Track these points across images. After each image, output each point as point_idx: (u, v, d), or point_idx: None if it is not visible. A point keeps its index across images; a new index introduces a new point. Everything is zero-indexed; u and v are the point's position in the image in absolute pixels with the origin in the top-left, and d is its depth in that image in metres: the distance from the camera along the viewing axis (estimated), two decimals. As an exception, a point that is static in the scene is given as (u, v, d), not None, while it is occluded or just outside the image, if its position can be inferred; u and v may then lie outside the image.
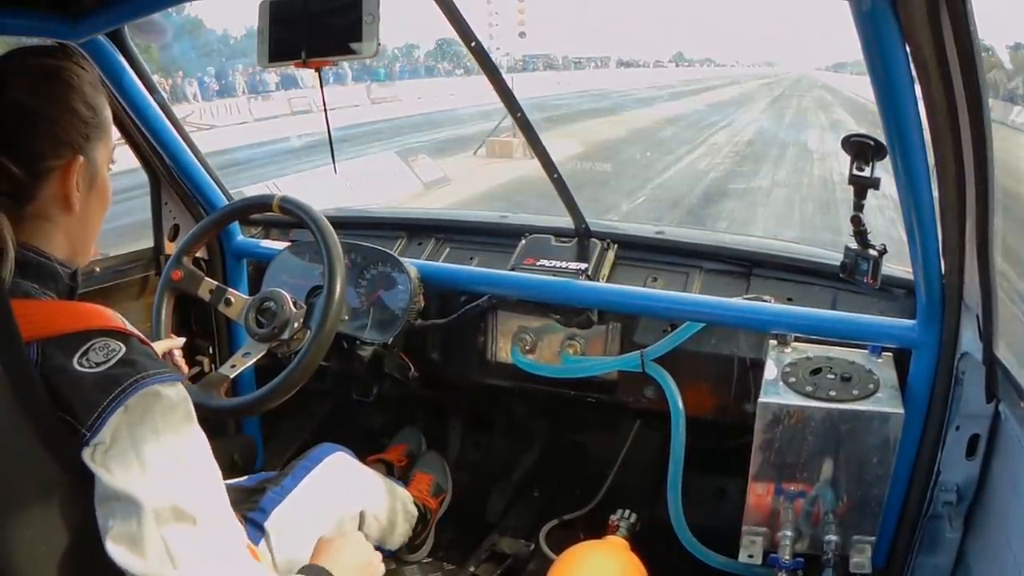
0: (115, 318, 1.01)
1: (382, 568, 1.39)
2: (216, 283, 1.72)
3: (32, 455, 0.90)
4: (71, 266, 1.08)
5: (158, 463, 0.94)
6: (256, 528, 1.44)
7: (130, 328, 1.01)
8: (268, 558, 1.42)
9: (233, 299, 1.69)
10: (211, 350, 2.31)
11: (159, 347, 1.62)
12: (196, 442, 1.01)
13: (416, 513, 1.99)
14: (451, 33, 1.56)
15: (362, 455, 2.36)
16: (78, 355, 0.93)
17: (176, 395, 0.98)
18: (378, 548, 1.76)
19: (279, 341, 1.60)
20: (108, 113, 1.10)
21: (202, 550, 0.96)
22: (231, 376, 1.58)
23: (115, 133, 2.04)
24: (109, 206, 1.14)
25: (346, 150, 14.02)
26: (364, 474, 1.84)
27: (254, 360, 1.60)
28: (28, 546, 0.91)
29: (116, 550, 0.92)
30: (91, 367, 0.93)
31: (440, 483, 2.22)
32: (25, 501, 0.91)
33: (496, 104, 1.85)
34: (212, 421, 1.30)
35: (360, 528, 1.75)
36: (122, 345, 0.96)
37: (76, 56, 1.09)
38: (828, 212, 11.10)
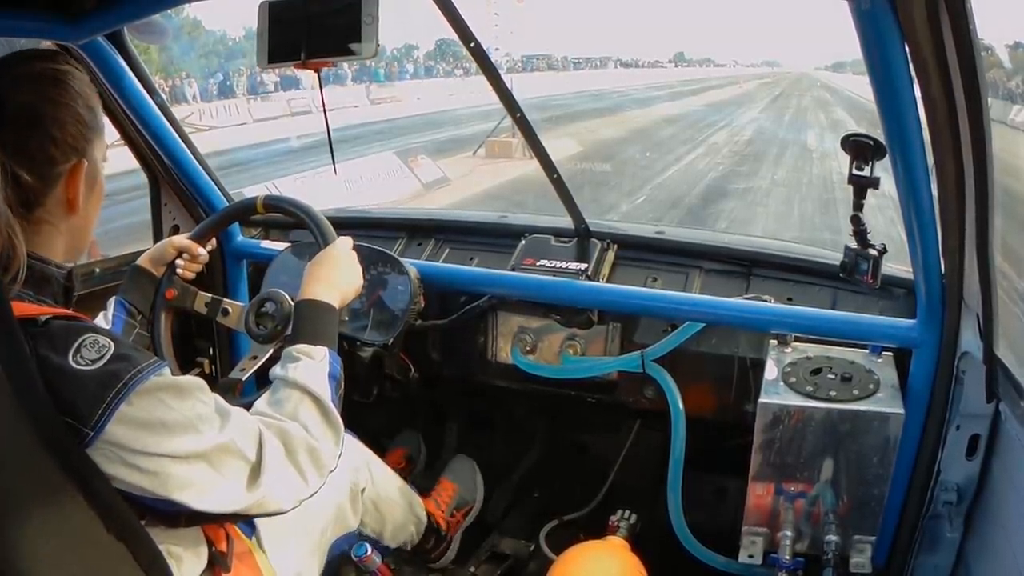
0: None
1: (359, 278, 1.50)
2: (211, 295, 1.71)
3: (33, 457, 0.90)
4: (67, 266, 1.09)
5: (180, 427, 0.99)
6: (247, 522, 1.38)
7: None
8: (264, 557, 1.38)
9: (230, 308, 1.68)
10: (211, 351, 2.31)
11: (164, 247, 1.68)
12: (202, 396, 1.04)
13: (425, 522, 1.96)
14: (450, 34, 1.56)
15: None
16: (71, 353, 0.94)
17: (168, 379, 1.00)
18: (375, 542, 1.76)
19: (283, 339, 1.58)
20: (101, 111, 1.12)
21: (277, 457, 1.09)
22: (243, 379, 1.57)
23: (114, 134, 2.06)
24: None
25: (346, 151, 14.01)
26: (371, 465, 1.80)
27: (262, 361, 1.59)
28: (30, 548, 0.90)
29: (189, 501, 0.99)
30: (87, 364, 0.94)
31: (465, 495, 2.17)
32: (26, 503, 0.90)
33: (495, 104, 1.85)
34: None
35: (359, 517, 1.71)
36: (110, 341, 0.97)
37: (72, 59, 1.10)
38: (828, 211, 11.10)
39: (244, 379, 1.56)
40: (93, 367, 0.94)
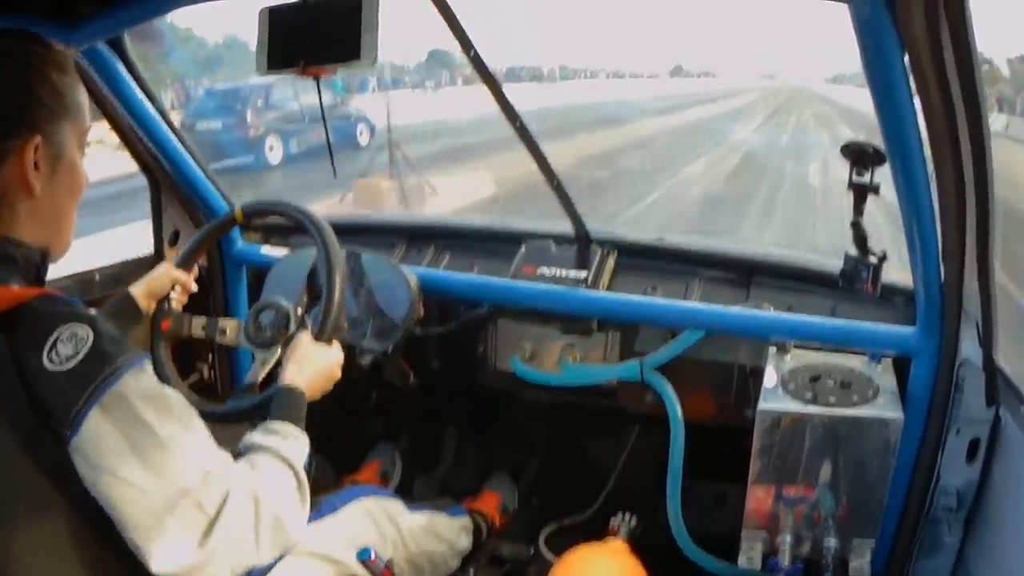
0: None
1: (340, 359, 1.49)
2: (205, 318, 1.67)
3: (16, 458, 0.90)
4: (39, 248, 1.05)
5: (151, 449, 0.94)
6: None
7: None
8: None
9: (227, 328, 1.65)
10: (211, 358, 2.30)
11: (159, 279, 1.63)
12: (183, 421, 1.00)
13: (468, 547, 1.97)
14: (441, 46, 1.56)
15: (357, 463, 2.35)
16: (47, 350, 0.91)
17: (148, 381, 0.97)
18: None
19: (287, 338, 1.56)
20: (79, 95, 1.07)
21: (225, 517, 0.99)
22: (257, 382, 1.55)
23: (115, 137, 2.06)
24: (82, 191, 1.10)
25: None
26: (400, 522, 1.74)
27: (271, 364, 1.57)
28: (21, 548, 0.90)
29: (138, 540, 0.93)
30: (61, 363, 0.91)
31: (507, 504, 2.27)
32: (14, 504, 0.91)
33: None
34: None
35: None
36: (89, 330, 0.93)
37: (41, 39, 1.05)
38: (827, 220, 11.10)
39: (259, 382, 1.55)
40: (66, 367, 0.91)
